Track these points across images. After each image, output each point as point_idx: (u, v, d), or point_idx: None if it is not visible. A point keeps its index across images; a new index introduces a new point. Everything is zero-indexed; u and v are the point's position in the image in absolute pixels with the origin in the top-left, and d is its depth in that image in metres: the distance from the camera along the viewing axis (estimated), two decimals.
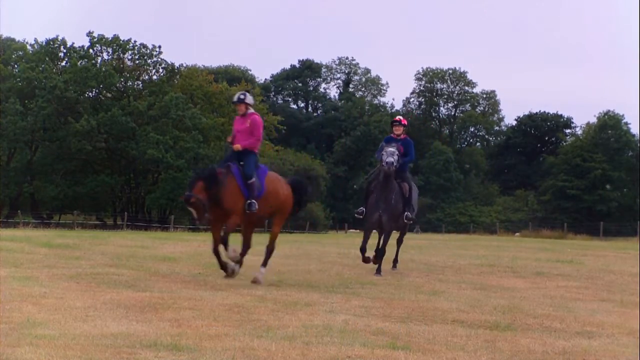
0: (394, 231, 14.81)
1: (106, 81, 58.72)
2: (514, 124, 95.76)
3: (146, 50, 61.62)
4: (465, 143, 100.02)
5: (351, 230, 58.17)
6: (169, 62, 63.03)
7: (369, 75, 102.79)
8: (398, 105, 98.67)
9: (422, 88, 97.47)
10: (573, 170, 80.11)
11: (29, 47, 65.44)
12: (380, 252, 14.03)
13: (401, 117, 15.53)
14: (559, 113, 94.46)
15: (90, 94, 61.27)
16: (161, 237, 24.51)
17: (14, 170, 57.68)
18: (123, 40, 61.26)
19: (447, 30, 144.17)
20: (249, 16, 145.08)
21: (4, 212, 53.08)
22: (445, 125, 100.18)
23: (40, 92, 56.05)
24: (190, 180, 11.99)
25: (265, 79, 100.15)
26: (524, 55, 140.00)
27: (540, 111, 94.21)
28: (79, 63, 59.15)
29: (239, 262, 11.77)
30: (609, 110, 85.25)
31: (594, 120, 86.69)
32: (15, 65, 63.23)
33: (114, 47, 61.58)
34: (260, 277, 11.54)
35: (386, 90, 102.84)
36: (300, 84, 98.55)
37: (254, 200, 11.54)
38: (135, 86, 63.09)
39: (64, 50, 61.59)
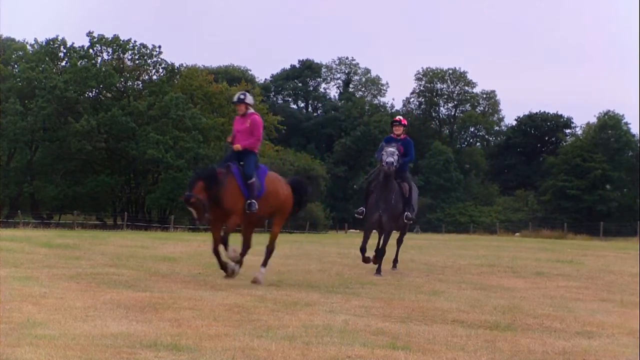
0: (394, 231, 14.81)
1: (106, 81, 58.73)
2: (514, 124, 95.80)
3: (146, 50, 61.63)
4: (465, 143, 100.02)
5: (351, 230, 58.17)
6: (169, 62, 63.11)
7: (369, 75, 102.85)
8: (398, 105, 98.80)
9: (422, 88, 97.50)
10: (573, 170, 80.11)
11: (29, 47, 65.46)
12: (380, 252, 14.03)
13: (401, 117, 15.53)
14: (559, 113, 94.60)
15: (90, 94, 61.28)
16: (161, 237, 24.51)
17: (14, 170, 57.69)
18: (123, 40, 61.27)
19: (447, 30, 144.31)
20: (249, 16, 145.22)
21: (4, 212, 53.08)
22: (445, 125, 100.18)
23: (40, 92, 56.05)
24: (190, 180, 11.99)
25: (265, 79, 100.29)
26: (524, 55, 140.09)
27: (540, 111, 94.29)
28: (79, 63, 59.16)
29: (239, 262, 11.77)
30: (609, 110, 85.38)
31: (594, 120, 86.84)
32: (15, 65, 63.25)
33: (114, 47, 61.58)
34: (260, 277, 11.55)
35: (386, 90, 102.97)
36: (300, 84, 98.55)
37: (254, 200, 11.54)
38: (135, 86, 63.09)
39: (64, 50, 61.61)
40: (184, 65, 66.92)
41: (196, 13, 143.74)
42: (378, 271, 13.75)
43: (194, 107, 59.19)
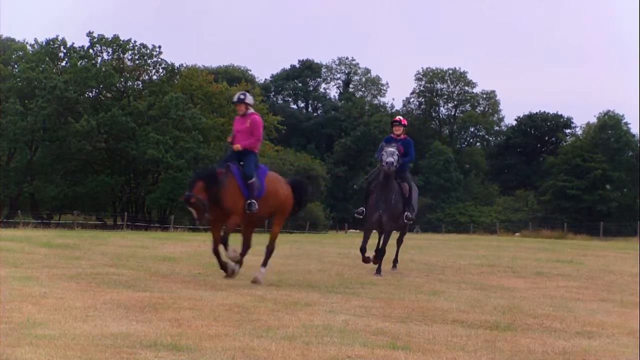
0: (394, 231, 14.81)
1: (106, 81, 58.74)
2: (514, 124, 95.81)
3: (146, 50, 61.63)
4: (465, 143, 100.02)
5: (351, 230, 58.17)
6: (169, 62, 63.13)
7: (369, 75, 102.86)
8: (398, 106, 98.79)
9: (422, 88, 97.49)
10: (573, 170, 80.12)
11: (29, 47, 65.49)
12: (380, 252, 14.03)
13: (401, 117, 15.52)
14: (559, 113, 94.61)
15: (90, 94, 61.30)
16: (161, 237, 24.51)
17: (14, 170, 57.70)
18: (123, 40, 61.27)
19: (447, 30, 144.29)
20: (249, 16, 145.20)
21: (4, 212, 53.08)
22: (445, 126, 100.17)
23: (40, 92, 56.07)
24: (190, 180, 11.98)
25: (265, 79, 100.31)
26: (524, 55, 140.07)
27: (540, 111, 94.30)
28: (79, 63, 59.17)
29: (239, 262, 11.77)
30: (609, 110, 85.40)
31: (594, 120, 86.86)
32: (15, 65, 63.27)
33: (114, 47, 61.59)
34: (260, 277, 11.55)
35: (386, 91, 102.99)
36: (300, 84, 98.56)
37: (254, 201, 11.52)
38: (135, 86, 63.11)
39: (64, 51, 61.64)
40: (184, 65, 67.05)
41: (196, 13, 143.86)
42: (378, 271, 13.75)
43: (194, 107, 59.20)
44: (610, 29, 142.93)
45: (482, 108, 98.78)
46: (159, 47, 61.89)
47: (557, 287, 12.58)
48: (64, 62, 62.10)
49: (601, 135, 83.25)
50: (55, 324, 7.29)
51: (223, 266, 11.67)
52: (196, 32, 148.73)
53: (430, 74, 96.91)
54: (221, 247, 11.62)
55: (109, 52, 62.11)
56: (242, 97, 12.08)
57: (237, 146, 11.78)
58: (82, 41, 66.31)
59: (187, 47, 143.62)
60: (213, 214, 11.30)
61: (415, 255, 18.24)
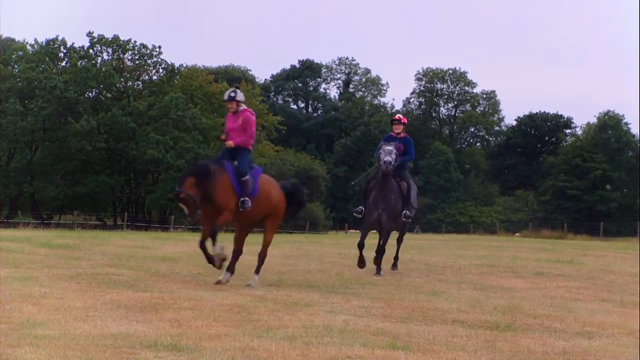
0: (394, 230, 14.80)
1: (106, 81, 58.75)
2: (514, 124, 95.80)
3: (146, 50, 61.65)
4: (466, 143, 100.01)
5: (351, 230, 58.14)
6: (169, 62, 63.16)
7: (369, 75, 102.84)
8: (398, 106, 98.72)
9: (422, 88, 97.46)
10: (573, 171, 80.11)
11: (29, 47, 65.51)
12: (379, 252, 14.01)
13: (401, 116, 15.48)
14: (559, 113, 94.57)
15: (90, 94, 61.32)
16: (161, 238, 24.51)
17: (14, 170, 57.70)
18: (123, 41, 61.30)
19: (447, 30, 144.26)
20: (249, 16, 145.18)
21: (4, 212, 53.08)
22: (445, 126, 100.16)
23: (40, 92, 56.07)
24: (180, 176, 11.86)
25: (265, 79, 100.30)
26: (524, 55, 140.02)
27: (540, 111, 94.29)
28: (79, 63, 59.20)
29: (225, 259, 11.54)
30: (609, 110, 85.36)
31: (594, 120, 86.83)
32: (15, 65, 63.30)
33: (114, 47, 61.61)
34: (254, 285, 11.29)
35: (386, 91, 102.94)
36: (300, 84, 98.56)
37: (247, 198, 11.37)
38: (135, 86, 63.13)
39: (64, 51, 61.68)
40: (184, 65, 67.07)
41: (196, 13, 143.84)
42: (378, 271, 13.74)
43: (194, 107, 59.20)
44: (610, 29, 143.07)
45: (482, 108, 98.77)
46: (159, 47, 62.02)
47: (557, 287, 12.58)
48: (64, 62, 62.14)
49: (601, 135, 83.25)
50: (55, 324, 7.29)
51: (210, 260, 11.40)
52: (196, 32, 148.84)
53: (430, 74, 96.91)
54: (209, 242, 11.45)
55: (109, 52, 62.17)
56: (232, 94, 11.91)
57: (230, 143, 11.63)
58: (82, 41, 66.45)
59: (187, 47, 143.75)
60: (205, 211, 11.10)
61: (415, 255, 18.23)
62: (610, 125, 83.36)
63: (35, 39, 70.18)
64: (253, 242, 12.74)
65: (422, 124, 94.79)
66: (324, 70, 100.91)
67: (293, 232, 45.70)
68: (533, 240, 33.99)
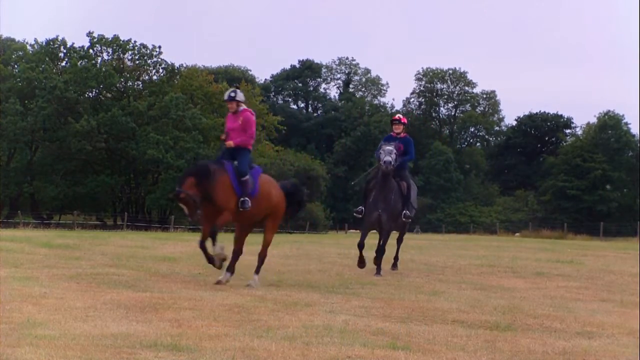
0: (394, 230, 14.79)
1: (106, 81, 58.76)
2: (514, 124, 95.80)
3: (146, 50, 61.66)
4: (466, 143, 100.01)
5: (351, 230, 58.13)
6: (169, 62, 63.18)
7: (369, 75, 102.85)
8: (398, 106, 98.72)
9: (422, 88, 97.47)
10: (573, 171, 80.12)
11: (29, 47, 65.54)
12: (380, 252, 14.01)
13: (401, 116, 15.47)
14: (559, 113, 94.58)
15: (90, 94, 61.34)
16: (161, 238, 24.50)
17: (14, 170, 57.72)
18: (123, 41, 61.31)
19: (447, 30, 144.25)
20: (249, 16, 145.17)
21: (4, 212, 53.09)
22: (445, 126, 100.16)
23: (40, 92, 56.08)
24: (180, 176, 11.84)
25: (265, 79, 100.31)
26: (524, 55, 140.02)
27: (540, 111, 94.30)
28: (79, 63, 59.21)
29: (225, 259, 11.53)
30: (609, 110, 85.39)
31: (594, 120, 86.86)
32: (15, 65, 63.31)
33: (114, 47, 61.63)
34: (254, 285, 11.31)
35: (386, 91, 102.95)
36: (300, 84, 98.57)
37: (247, 198, 11.36)
38: (135, 86, 63.14)
39: (64, 51, 61.69)
40: (184, 65, 67.08)
41: (196, 13, 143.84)
42: (378, 271, 13.73)
43: (194, 107, 59.21)
44: (610, 29, 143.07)
45: (482, 108, 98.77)
46: (159, 47, 62.05)
47: (557, 287, 12.58)
48: (64, 62, 62.16)
49: (601, 135, 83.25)
50: (55, 324, 7.29)
51: (210, 260, 11.41)
52: (196, 32, 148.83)
53: (430, 74, 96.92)
54: (209, 242, 11.44)
55: (109, 52, 62.19)
56: (232, 94, 11.90)
57: (230, 143, 11.62)
58: (82, 41, 66.46)
59: (187, 47, 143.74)
60: (205, 211, 11.09)
61: (415, 255, 18.23)
62: (610, 125, 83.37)
63: (35, 39, 70.31)
64: (253, 242, 12.73)
65: (422, 124, 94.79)
66: (324, 70, 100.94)
67: (293, 232, 45.69)
68: (533, 240, 33.99)
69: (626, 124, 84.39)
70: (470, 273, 14.49)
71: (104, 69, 58.98)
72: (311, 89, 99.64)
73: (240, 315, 8.26)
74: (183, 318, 7.89)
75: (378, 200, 13.91)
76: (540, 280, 13.54)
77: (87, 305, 8.46)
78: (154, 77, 63.13)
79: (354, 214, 14.72)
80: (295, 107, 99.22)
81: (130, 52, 61.82)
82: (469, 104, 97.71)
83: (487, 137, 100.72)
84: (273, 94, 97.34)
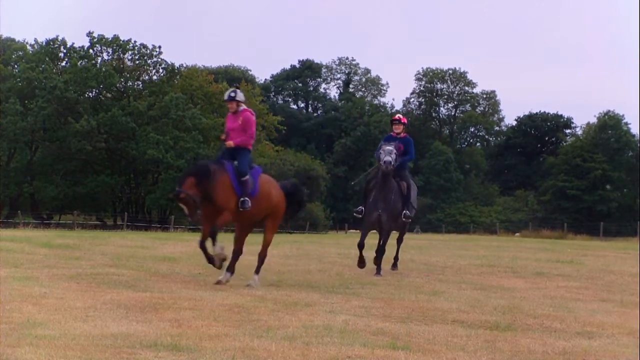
0: (394, 230, 14.79)
1: (106, 81, 58.76)
2: (514, 124, 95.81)
3: (146, 50, 61.66)
4: (465, 143, 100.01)
5: (351, 230, 58.13)
6: (169, 62, 63.18)
7: (369, 75, 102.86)
8: (398, 106, 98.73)
9: (422, 88, 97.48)
10: (573, 171, 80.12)
11: (29, 47, 65.55)
12: (380, 252, 14.01)
13: (401, 116, 15.48)
14: (559, 113, 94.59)
15: (90, 94, 61.34)
16: (161, 238, 24.51)
17: (14, 170, 57.72)
18: (123, 41, 61.31)
19: (447, 30, 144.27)
20: (249, 16, 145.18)
21: (4, 212, 53.09)
22: (445, 126, 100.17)
23: (40, 92, 56.08)
24: (180, 176, 11.84)
25: (265, 79, 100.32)
26: (524, 55, 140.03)
27: (540, 111, 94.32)
28: (79, 63, 59.21)
29: (225, 259, 11.54)
30: (609, 110, 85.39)
31: (594, 120, 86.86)
32: (15, 65, 63.32)
33: (114, 47, 61.63)
34: (254, 285, 11.31)
35: (386, 91, 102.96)
36: (300, 84, 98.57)
37: (247, 198, 11.35)
38: (135, 86, 63.14)
39: (64, 51, 61.69)
40: (184, 65, 67.07)
41: (196, 13, 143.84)
42: (378, 271, 13.73)
43: (194, 107, 59.20)
44: (610, 29, 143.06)
45: (482, 108, 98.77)
46: (159, 47, 62.05)
47: (557, 287, 12.58)
48: (64, 62, 62.15)
49: (601, 135, 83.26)
50: (55, 324, 7.29)
51: (210, 260, 11.40)
52: (196, 32, 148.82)
53: (430, 74, 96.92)
54: (209, 242, 11.44)
55: (109, 52, 62.19)
56: (232, 94, 11.89)
57: (230, 143, 11.61)
58: (82, 41, 66.44)
59: (187, 47, 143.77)
60: (205, 211, 11.08)
61: (415, 255, 18.24)
62: (610, 125, 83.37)
63: (35, 39, 70.33)
64: (253, 242, 12.73)
65: (422, 124, 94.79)
66: (324, 70, 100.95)
67: (293, 232, 45.69)
68: (533, 240, 33.99)
69: (626, 124, 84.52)
70: (470, 273, 14.49)
71: (104, 69, 58.98)
72: (311, 89, 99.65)
73: (240, 315, 8.26)
74: (183, 318, 7.89)
75: (378, 200, 13.91)
76: (540, 280, 13.54)
77: (87, 305, 8.46)
78: (154, 77, 63.15)
79: (354, 214, 14.72)
80: (295, 107, 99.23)
81: (130, 52, 61.84)
82: (469, 104, 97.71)
83: (487, 137, 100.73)
84: (273, 94, 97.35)
